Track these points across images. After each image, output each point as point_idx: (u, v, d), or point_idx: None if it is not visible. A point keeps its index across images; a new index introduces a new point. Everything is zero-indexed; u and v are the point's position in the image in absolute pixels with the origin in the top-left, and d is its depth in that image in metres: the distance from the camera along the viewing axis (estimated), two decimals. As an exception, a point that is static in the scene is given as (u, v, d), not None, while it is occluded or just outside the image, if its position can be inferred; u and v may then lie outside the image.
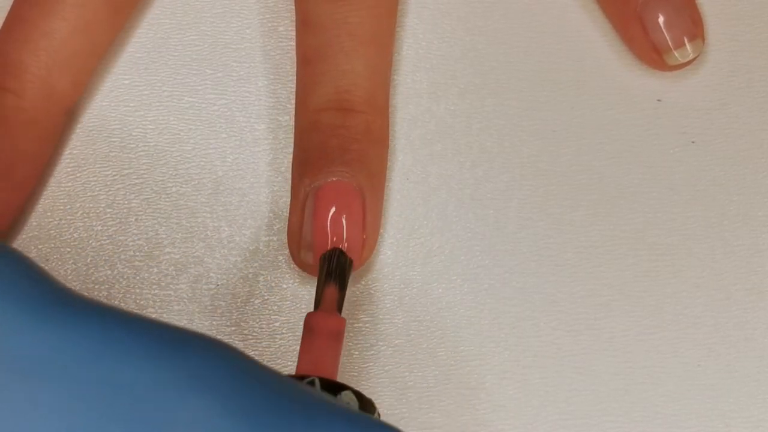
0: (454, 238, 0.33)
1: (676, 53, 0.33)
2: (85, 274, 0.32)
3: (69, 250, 0.32)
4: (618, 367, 0.32)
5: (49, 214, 0.33)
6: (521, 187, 0.33)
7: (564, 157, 0.34)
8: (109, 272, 0.32)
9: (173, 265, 0.32)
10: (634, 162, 0.34)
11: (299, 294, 0.32)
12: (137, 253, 0.32)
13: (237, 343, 0.32)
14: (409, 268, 0.33)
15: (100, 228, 0.33)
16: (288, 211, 0.33)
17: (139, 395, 0.20)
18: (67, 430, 0.20)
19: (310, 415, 0.21)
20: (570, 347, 0.32)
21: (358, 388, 0.26)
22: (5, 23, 0.32)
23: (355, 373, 0.32)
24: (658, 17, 0.33)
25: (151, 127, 0.33)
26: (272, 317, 0.32)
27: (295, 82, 0.34)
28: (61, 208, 0.33)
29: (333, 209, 0.30)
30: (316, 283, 0.30)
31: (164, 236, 0.32)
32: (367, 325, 0.32)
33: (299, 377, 0.26)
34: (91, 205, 0.33)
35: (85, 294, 0.22)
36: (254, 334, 0.32)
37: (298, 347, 0.28)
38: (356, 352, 0.32)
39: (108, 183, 0.33)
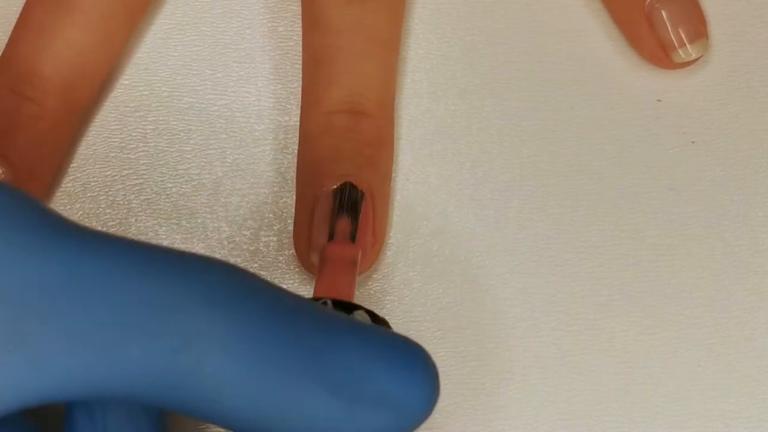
0: (454, 238, 0.33)
1: (681, 51, 0.33)
2: (85, 274, 0.32)
3: (69, 250, 0.32)
4: (618, 367, 0.32)
5: (49, 214, 0.33)
6: (521, 187, 0.33)
7: (564, 157, 0.34)
8: (109, 272, 0.32)
9: (173, 266, 0.32)
10: (634, 162, 0.34)
11: (300, 293, 0.32)
12: (137, 254, 0.32)
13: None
14: (408, 268, 0.33)
15: (100, 228, 0.33)
16: (288, 212, 0.33)
17: (154, 314, 0.20)
18: (87, 350, 0.20)
19: (322, 328, 0.21)
20: (570, 347, 0.32)
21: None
22: (25, 29, 0.31)
23: (355, 374, 0.32)
24: (666, 15, 0.33)
25: (151, 127, 0.33)
26: (272, 317, 0.32)
27: (295, 82, 0.34)
28: (61, 208, 0.33)
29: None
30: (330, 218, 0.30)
31: (164, 236, 0.32)
32: (367, 325, 0.32)
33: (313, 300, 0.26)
34: (91, 205, 0.33)
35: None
36: (254, 334, 0.32)
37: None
38: (356, 353, 0.32)
39: (108, 183, 0.33)
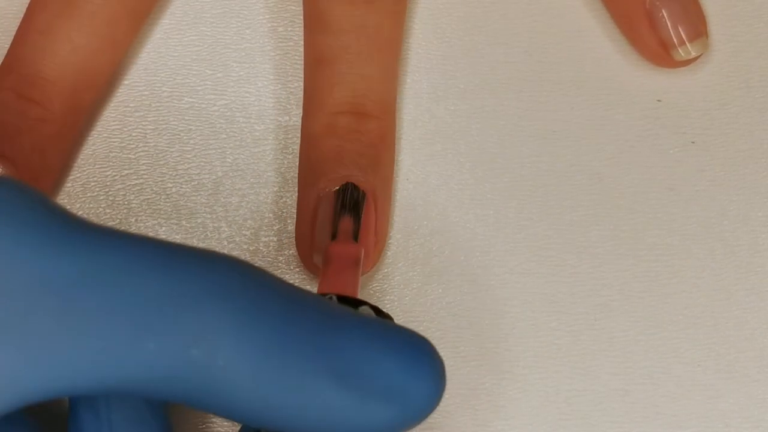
0: (454, 238, 0.33)
1: (681, 50, 0.33)
2: (85, 274, 0.32)
3: (69, 250, 0.32)
4: (618, 367, 0.32)
5: (49, 214, 0.33)
6: (521, 187, 0.33)
7: (564, 157, 0.34)
8: (109, 272, 0.32)
9: (173, 266, 0.32)
10: (634, 162, 0.34)
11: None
12: (137, 254, 0.32)
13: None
14: (408, 268, 0.33)
15: (100, 228, 0.33)
16: (288, 212, 0.33)
17: (167, 310, 0.20)
18: (100, 345, 0.20)
19: (331, 321, 0.21)
20: (570, 347, 0.32)
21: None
22: (30, 32, 0.31)
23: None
24: (666, 14, 0.33)
25: (150, 127, 0.33)
26: (272, 317, 0.32)
27: (295, 82, 0.34)
28: (61, 208, 0.33)
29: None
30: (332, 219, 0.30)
31: (164, 237, 0.32)
32: (367, 325, 0.32)
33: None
34: (91, 206, 0.33)
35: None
36: (254, 334, 0.32)
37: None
38: (356, 353, 0.32)
39: (108, 183, 0.33)
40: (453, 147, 0.34)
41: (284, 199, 0.33)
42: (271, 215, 0.33)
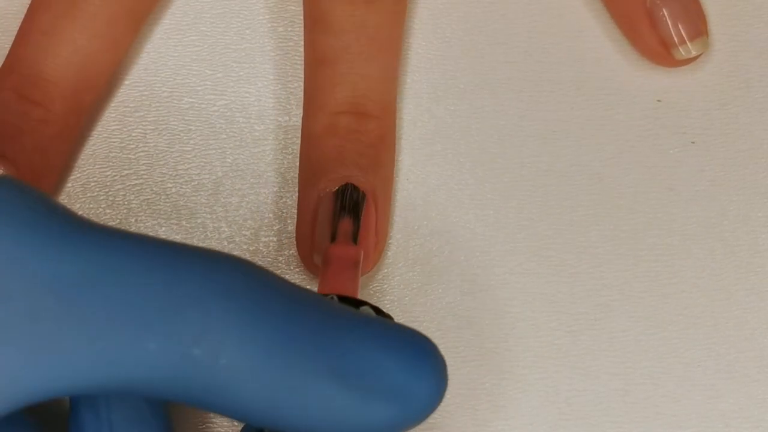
0: (454, 238, 0.33)
1: (682, 49, 0.33)
2: (85, 274, 0.32)
3: (69, 250, 0.32)
4: (618, 367, 0.32)
5: (49, 214, 0.33)
6: (521, 187, 0.33)
7: (564, 157, 0.34)
8: (109, 272, 0.32)
9: (173, 266, 0.32)
10: (634, 162, 0.34)
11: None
12: (137, 254, 0.32)
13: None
14: (408, 268, 0.33)
15: (100, 228, 0.33)
16: (288, 212, 0.33)
17: (169, 309, 0.20)
18: (103, 345, 0.20)
19: (333, 320, 0.21)
20: (570, 347, 0.32)
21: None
22: (31, 33, 0.31)
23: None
24: (667, 12, 0.33)
25: (150, 127, 0.33)
26: (272, 317, 0.32)
27: (295, 82, 0.34)
28: (61, 208, 0.33)
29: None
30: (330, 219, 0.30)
31: (164, 237, 0.32)
32: (367, 325, 0.32)
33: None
34: (91, 206, 0.33)
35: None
36: (254, 334, 0.32)
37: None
38: (356, 353, 0.32)
39: (108, 183, 0.33)
40: (453, 147, 0.34)
41: (284, 199, 0.33)
42: (271, 215, 0.33)
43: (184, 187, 0.33)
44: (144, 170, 0.33)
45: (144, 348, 0.20)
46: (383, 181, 0.32)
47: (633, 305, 0.32)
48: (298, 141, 0.33)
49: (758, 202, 0.33)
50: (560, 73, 0.34)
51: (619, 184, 0.33)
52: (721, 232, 0.33)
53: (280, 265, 0.32)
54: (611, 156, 0.34)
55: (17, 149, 0.30)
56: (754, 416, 0.32)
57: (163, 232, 0.33)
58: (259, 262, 0.32)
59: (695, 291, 0.33)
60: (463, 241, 0.33)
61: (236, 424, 0.31)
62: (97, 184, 0.33)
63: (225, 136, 0.33)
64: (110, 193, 0.33)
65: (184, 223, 0.33)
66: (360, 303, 0.26)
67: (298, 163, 0.33)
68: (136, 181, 0.33)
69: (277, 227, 0.33)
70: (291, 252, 0.32)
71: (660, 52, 0.33)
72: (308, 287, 0.32)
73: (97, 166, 0.33)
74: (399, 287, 0.32)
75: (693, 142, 0.34)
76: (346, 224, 0.30)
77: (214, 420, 0.31)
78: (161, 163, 0.33)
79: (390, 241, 0.33)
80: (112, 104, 0.34)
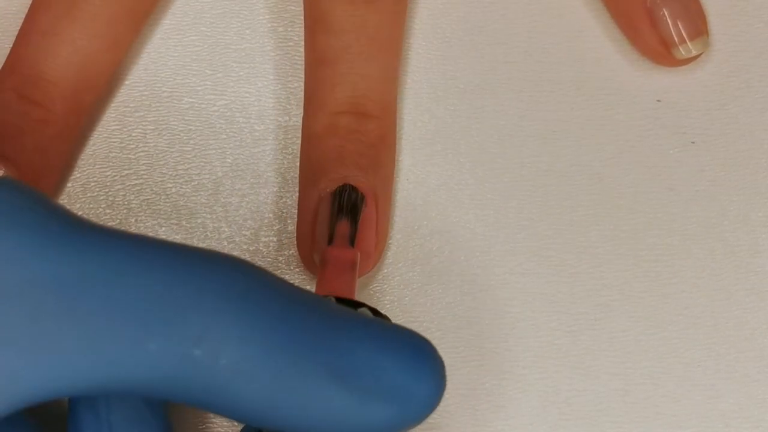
0: (454, 238, 0.33)
1: (682, 48, 0.33)
2: (85, 274, 0.32)
3: (69, 250, 0.32)
4: (618, 367, 0.32)
5: (49, 214, 0.33)
6: (521, 187, 0.33)
7: (564, 157, 0.34)
8: (109, 273, 0.32)
9: (173, 266, 0.32)
10: (634, 162, 0.34)
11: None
12: (137, 254, 0.32)
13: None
14: (408, 268, 0.33)
15: (100, 228, 0.33)
16: (288, 212, 0.33)
17: (169, 310, 0.20)
18: (104, 345, 0.20)
19: (332, 321, 0.21)
20: (570, 347, 0.32)
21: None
22: (31, 33, 0.31)
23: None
24: (667, 12, 0.33)
25: (150, 127, 0.33)
26: (272, 317, 0.32)
27: (295, 82, 0.34)
28: (61, 208, 0.33)
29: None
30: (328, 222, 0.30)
31: (164, 237, 0.32)
32: (367, 325, 0.32)
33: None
34: (91, 206, 0.33)
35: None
36: (254, 334, 0.32)
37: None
38: (356, 353, 0.32)
39: (108, 184, 0.33)
40: (453, 147, 0.34)
41: (284, 199, 0.33)
42: (271, 215, 0.33)
43: (184, 187, 0.33)
44: (144, 170, 0.33)
45: (144, 348, 0.20)
46: (383, 181, 0.32)
47: (633, 305, 0.32)
48: (298, 141, 0.33)
49: (758, 202, 0.33)
50: (560, 73, 0.34)
51: (619, 184, 0.33)
52: (721, 232, 0.33)
53: (280, 265, 0.32)
54: (611, 156, 0.34)
55: (18, 149, 0.30)
56: (754, 416, 0.32)
57: (163, 232, 0.33)
58: (259, 262, 0.32)
59: (695, 291, 0.33)
60: (463, 241, 0.33)
61: (236, 424, 0.31)
62: (97, 184, 0.33)
63: (225, 136, 0.33)
64: (110, 193, 0.33)
65: (184, 223, 0.33)
66: (358, 304, 0.26)
67: (298, 163, 0.33)
68: (136, 181, 0.33)
69: (277, 227, 0.33)
70: (291, 252, 0.32)
71: (660, 51, 0.33)
72: (308, 287, 0.32)
73: (97, 166, 0.33)
74: (399, 287, 0.32)
75: (693, 142, 0.34)
76: (343, 226, 0.30)
77: (213, 420, 0.31)
78: (161, 163, 0.33)
79: (390, 241, 0.33)
80: (112, 104, 0.34)
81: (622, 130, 0.34)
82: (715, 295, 0.33)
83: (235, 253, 0.32)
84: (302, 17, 0.34)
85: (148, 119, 0.34)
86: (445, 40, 0.35)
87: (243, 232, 0.33)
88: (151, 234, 0.33)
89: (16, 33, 0.32)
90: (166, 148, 0.33)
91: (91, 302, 0.20)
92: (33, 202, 0.21)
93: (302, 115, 0.33)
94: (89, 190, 0.33)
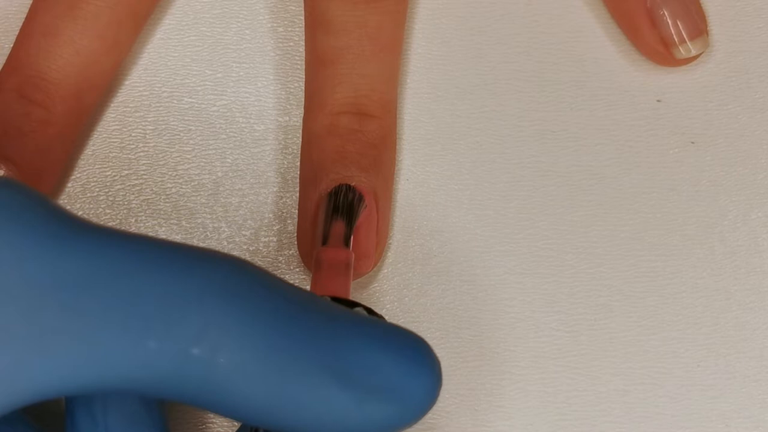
0: (454, 238, 0.33)
1: (682, 48, 0.33)
2: (85, 274, 0.32)
3: (69, 250, 0.32)
4: (618, 367, 0.32)
5: (49, 214, 0.33)
6: (521, 187, 0.33)
7: (564, 157, 0.34)
8: (109, 273, 0.32)
9: (173, 266, 0.32)
10: (634, 162, 0.34)
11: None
12: (137, 254, 0.32)
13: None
14: (408, 268, 0.33)
15: (100, 228, 0.33)
16: (288, 212, 0.33)
17: (168, 309, 0.20)
18: (103, 343, 0.20)
19: (330, 320, 0.21)
20: (570, 347, 0.32)
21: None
22: (33, 34, 0.31)
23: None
24: (668, 11, 0.33)
25: (150, 127, 0.34)
26: (272, 317, 0.32)
27: (295, 82, 0.34)
28: (61, 208, 0.33)
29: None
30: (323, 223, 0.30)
31: (164, 237, 0.32)
32: (366, 325, 0.32)
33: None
34: (90, 206, 0.33)
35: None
36: (254, 334, 0.32)
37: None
38: (356, 353, 0.32)
39: (108, 184, 0.33)
40: (453, 147, 0.34)
41: (284, 199, 0.33)
42: (271, 215, 0.33)
43: (184, 187, 0.33)
44: (144, 170, 0.33)
45: (143, 347, 0.20)
46: (384, 181, 0.32)
47: (633, 305, 0.32)
48: (298, 141, 0.33)
49: (758, 202, 0.33)
50: (560, 73, 0.34)
51: (619, 184, 0.33)
52: (721, 232, 0.33)
53: (280, 265, 0.32)
54: (611, 156, 0.34)
55: (18, 150, 0.31)
56: (754, 416, 0.32)
57: (163, 232, 0.33)
58: (259, 262, 0.32)
59: (695, 291, 0.33)
60: (463, 241, 0.33)
61: (235, 424, 0.31)
62: (97, 184, 0.33)
63: (225, 136, 0.34)
64: (110, 193, 0.33)
65: (184, 223, 0.33)
66: (353, 304, 0.26)
67: (298, 163, 0.33)
68: (136, 181, 0.33)
69: (277, 227, 0.33)
70: (291, 252, 0.32)
71: (660, 51, 0.33)
72: (308, 287, 0.32)
73: (97, 166, 0.33)
74: (399, 288, 0.32)
75: (693, 142, 0.34)
76: (338, 227, 0.30)
77: (213, 420, 0.31)
78: (161, 163, 0.33)
79: (390, 241, 0.33)
80: (112, 104, 0.34)
81: (622, 130, 0.34)
82: (715, 295, 0.33)
83: (235, 253, 0.32)
84: (302, 17, 0.34)
85: (148, 119, 0.34)
86: (445, 40, 0.35)
87: (243, 232, 0.33)
88: (150, 234, 0.33)
89: (16, 33, 0.32)
90: (166, 148, 0.33)
91: (89, 301, 0.20)
92: (31, 202, 0.21)
93: (303, 115, 0.33)
94: (89, 190, 0.33)
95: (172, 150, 0.33)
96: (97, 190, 0.33)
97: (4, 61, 0.32)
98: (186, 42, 0.34)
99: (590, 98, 0.34)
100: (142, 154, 0.33)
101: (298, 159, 0.33)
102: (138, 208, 0.33)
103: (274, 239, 0.33)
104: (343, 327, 0.21)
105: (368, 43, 0.32)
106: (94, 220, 0.33)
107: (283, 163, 0.33)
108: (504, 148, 0.34)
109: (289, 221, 0.33)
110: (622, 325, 0.32)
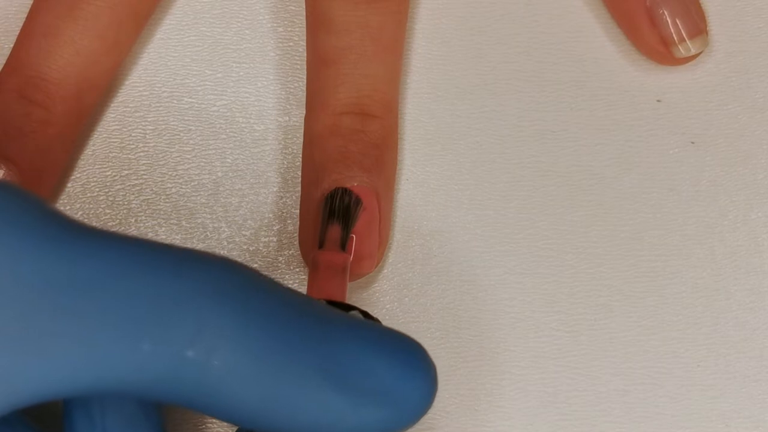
0: (454, 238, 0.33)
1: (681, 47, 0.33)
2: (85, 274, 0.32)
3: (69, 250, 0.32)
4: (618, 367, 0.32)
5: (49, 214, 0.33)
6: (521, 187, 0.33)
7: (564, 157, 0.34)
8: (109, 273, 0.32)
9: (173, 266, 0.32)
10: (634, 162, 0.34)
11: (301, 292, 0.32)
12: (137, 254, 0.32)
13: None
14: (408, 268, 0.33)
15: (100, 228, 0.33)
16: (288, 212, 0.33)
17: (162, 311, 0.20)
18: (98, 345, 0.20)
19: (325, 323, 0.21)
20: (570, 347, 0.32)
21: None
22: (33, 34, 0.31)
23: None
24: (667, 11, 0.33)
25: (150, 128, 0.34)
26: (272, 318, 0.32)
27: (295, 82, 0.34)
28: (61, 208, 0.33)
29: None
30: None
31: (164, 237, 0.33)
32: (366, 325, 0.32)
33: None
34: (90, 206, 0.33)
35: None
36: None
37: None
38: (356, 353, 0.32)
39: (108, 184, 0.33)
40: (453, 147, 0.34)
41: (284, 200, 0.33)
42: (271, 215, 0.33)
43: (184, 187, 0.33)
44: (144, 170, 0.33)
45: (138, 349, 0.20)
46: (386, 181, 0.32)
47: (633, 305, 0.32)
48: (298, 141, 0.33)
49: (758, 202, 0.33)
50: (560, 73, 0.34)
51: (619, 184, 0.33)
52: (721, 232, 0.33)
53: (280, 265, 0.32)
54: (611, 156, 0.34)
55: (19, 150, 0.31)
56: (754, 416, 0.32)
57: (163, 232, 0.33)
58: (259, 262, 0.32)
59: (695, 291, 0.33)
60: (463, 242, 0.33)
61: (233, 427, 0.31)
62: (97, 184, 0.33)
63: (225, 136, 0.34)
64: (110, 193, 0.33)
65: (184, 223, 0.33)
66: (348, 308, 0.26)
67: (298, 163, 0.33)
68: (136, 181, 0.33)
69: (277, 227, 0.33)
70: (291, 252, 0.32)
71: (660, 50, 0.33)
72: (305, 290, 0.32)
73: (97, 166, 0.33)
74: (399, 288, 0.32)
75: (693, 142, 0.34)
76: (334, 230, 0.30)
77: (211, 423, 0.31)
78: (161, 163, 0.33)
79: (390, 241, 0.33)
80: (112, 104, 0.34)
81: (622, 130, 0.34)
82: (715, 295, 0.33)
83: (235, 253, 0.32)
84: (302, 17, 0.34)
85: (148, 119, 0.34)
86: (446, 40, 0.35)
87: (243, 232, 0.33)
88: (151, 234, 0.33)
89: (16, 33, 0.32)
90: (166, 148, 0.33)
91: (84, 303, 0.20)
92: (26, 204, 0.21)
93: (304, 115, 0.33)
94: (89, 190, 0.33)
95: (172, 150, 0.33)
96: (97, 190, 0.33)
97: (5, 62, 0.32)
98: (186, 42, 0.34)
99: (590, 98, 0.34)
100: (142, 154, 0.33)
101: (298, 159, 0.33)
102: (138, 208, 0.33)
103: (274, 239, 0.33)
104: (338, 330, 0.21)
105: (370, 43, 0.32)
106: (94, 220, 0.33)
107: (283, 163, 0.33)
108: (504, 148, 0.34)
109: (289, 221, 0.33)
110: (622, 325, 0.32)
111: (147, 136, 0.33)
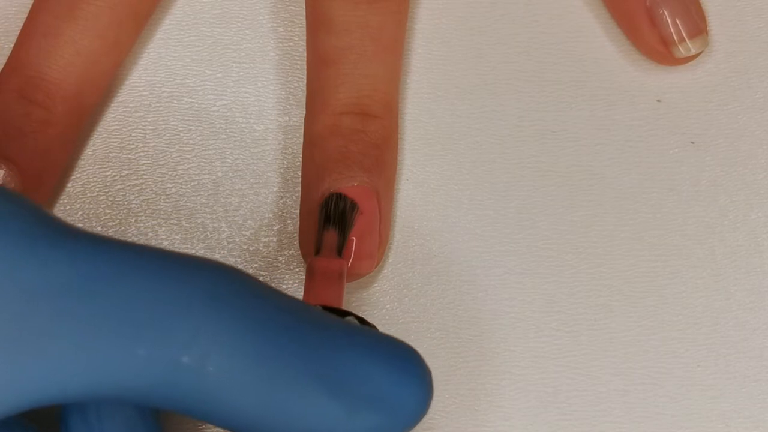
0: (454, 238, 0.33)
1: (681, 47, 0.33)
2: (85, 274, 0.32)
3: (69, 250, 0.32)
4: (618, 367, 0.32)
5: (49, 214, 0.33)
6: (521, 187, 0.33)
7: (564, 157, 0.34)
8: (109, 273, 0.32)
9: (173, 266, 0.32)
10: (634, 162, 0.34)
11: (299, 294, 0.32)
12: (137, 254, 0.32)
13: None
14: (408, 268, 0.33)
15: (99, 229, 0.33)
16: (288, 212, 0.33)
17: (158, 314, 0.20)
18: (93, 350, 0.20)
19: (321, 329, 0.21)
20: (570, 347, 0.32)
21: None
22: (33, 34, 0.31)
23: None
24: (667, 11, 0.33)
25: (150, 128, 0.34)
26: (272, 318, 0.32)
27: (295, 82, 0.34)
28: (61, 209, 0.33)
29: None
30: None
31: (164, 237, 0.33)
32: (366, 325, 0.32)
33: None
34: (91, 206, 0.33)
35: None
36: (254, 334, 0.32)
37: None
38: (356, 353, 0.32)
39: (107, 184, 0.33)
40: (453, 147, 0.34)
41: (284, 199, 0.33)
42: (271, 215, 0.33)
43: (184, 187, 0.33)
44: (144, 170, 0.33)
45: (133, 354, 0.20)
46: (386, 181, 0.32)
47: (633, 305, 0.32)
48: (298, 141, 0.33)
49: (758, 202, 0.33)
50: (560, 73, 0.34)
51: (619, 184, 0.33)
52: (721, 232, 0.33)
53: (280, 265, 0.32)
54: (611, 156, 0.34)
55: (19, 150, 0.31)
56: (754, 416, 0.32)
57: (163, 232, 0.33)
58: (259, 262, 0.32)
59: (695, 291, 0.33)
60: (463, 241, 0.33)
61: None
62: (97, 184, 0.33)
63: (225, 136, 0.34)
64: (110, 193, 0.33)
65: (184, 223, 0.33)
66: (344, 313, 0.26)
67: (298, 163, 0.33)
68: (136, 181, 0.33)
69: (277, 227, 0.33)
70: (291, 252, 0.32)
71: (660, 50, 0.33)
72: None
73: (97, 166, 0.33)
74: (399, 288, 0.32)
75: (693, 142, 0.34)
76: (330, 236, 0.30)
77: (209, 428, 0.31)
78: (161, 163, 0.33)
79: (390, 241, 0.33)
80: (112, 104, 0.34)
81: (622, 130, 0.34)
82: (715, 295, 0.33)
83: (235, 252, 0.32)
84: (302, 17, 0.34)
85: (148, 119, 0.34)
86: (446, 40, 0.35)
87: (243, 232, 0.33)
88: (150, 234, 0.33)
89: (16, 33, 0.32)
90: (166, 148, 0.33)
91: (80, 308, 0.20)
92: (23, 209, 0.21)
93: (304, 115, 0.33)
94: (89, 190, 0.33)
95: (172, 150, 0.33)
96: (97, 190, 0.33)
97: (5, 62, 0.32)
98: (186, 42, 0.34)
99: (590, 98, 0.34)
100: (142, 154, 0.33)
101: (298, 159, 0.33)
102: (138, 208, 0.33)
103: (274, 239, 0.33)
104: (334, 336, 0.21)
105: (370, 43, 0.32)
106: (94, 220, 0.33)
107: (283, 163, 0.33)
108: (504, 148, 0.34)
109: (289, 221, 0.33)
110: (622, 325, 0.32)
111: (147, 136, 0.33)
